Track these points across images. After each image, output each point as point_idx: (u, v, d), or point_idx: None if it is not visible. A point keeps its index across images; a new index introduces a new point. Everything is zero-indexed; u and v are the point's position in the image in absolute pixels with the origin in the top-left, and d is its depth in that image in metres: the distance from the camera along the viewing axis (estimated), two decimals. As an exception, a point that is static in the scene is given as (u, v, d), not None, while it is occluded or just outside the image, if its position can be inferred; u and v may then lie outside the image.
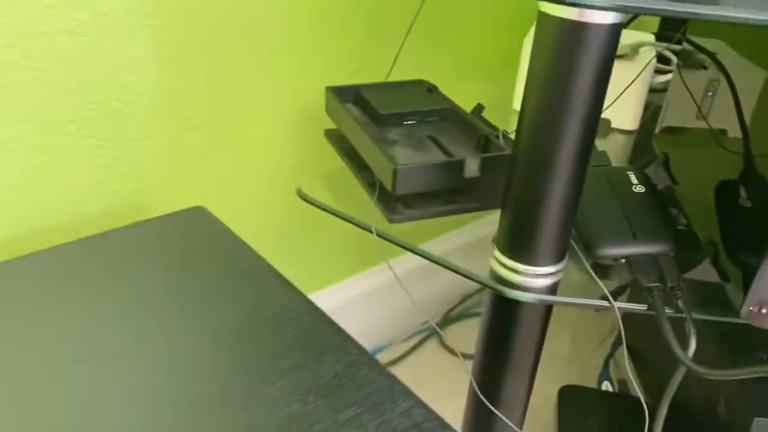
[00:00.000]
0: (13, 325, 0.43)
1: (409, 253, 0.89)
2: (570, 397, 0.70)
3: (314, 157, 0.66)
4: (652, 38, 0.73)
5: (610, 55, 0.38)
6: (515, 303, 0.47)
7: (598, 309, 0.45)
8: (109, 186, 0.55)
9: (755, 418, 0.50)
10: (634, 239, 0.45)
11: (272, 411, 0.37)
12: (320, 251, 0.76)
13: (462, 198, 0.51)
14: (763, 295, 0.39)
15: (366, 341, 0.84)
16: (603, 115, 0.69)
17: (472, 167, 0.50)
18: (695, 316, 0.41)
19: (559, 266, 0.45)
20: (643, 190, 0.50)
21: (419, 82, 0.63)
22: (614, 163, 0.57)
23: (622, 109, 0.68)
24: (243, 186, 0.64)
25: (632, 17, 0.82)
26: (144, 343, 0.43)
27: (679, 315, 0.42)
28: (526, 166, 0.42)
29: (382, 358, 0.85)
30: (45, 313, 0.44)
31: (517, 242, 0.45)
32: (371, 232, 0.48)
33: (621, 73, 0.66)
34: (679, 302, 0.42)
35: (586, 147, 0.41)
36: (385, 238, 0.48)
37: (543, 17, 0.38)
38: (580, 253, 0.46)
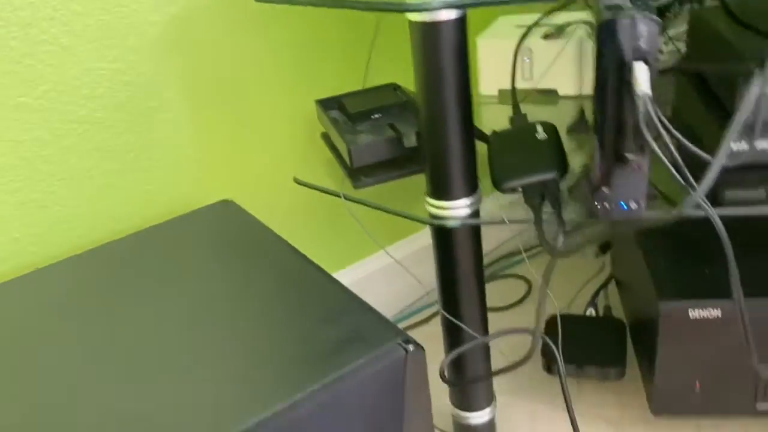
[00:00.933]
0: (89, 305, 0.56)
1: (415, 235, 1.05)
2: (555, 323, 0.83)
3: (315, 154, 0.85)
4: (583, 16, 0.86)
5: (461, 40, 0.54)
6: (448, 232, 0.63)
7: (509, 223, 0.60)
8: (144, 186, 0.76)
9: (660, 302, 0.62)
10: (525, 173, 0.59)
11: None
12: (338, 234, 0.94)
13: (410, 164, 0.68)
14: (601, 194, 0.52)
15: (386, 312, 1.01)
16: (549, 86, 0.84)
17: (410, 139, 0.66)
18: (566, 219, 0.55)
19: (471, 199, 0.60)
20: (546, 137, 0.64)
21: (387, 85, 0.80)
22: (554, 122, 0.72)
23: (565, 78, 0.82)
24: (262, 181, 0.83)
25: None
26: (194, 329, 0.51)
27: (552, 220, 0.56)
28: (429, 129, 0.58)
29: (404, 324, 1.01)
30: (103, 303, 0.57)
31: (436, 186, 0.61)
32: (339, 196, 0.65)
33: (555, 48, 0.80)
34: (554, 211, 0.56)
35: (465, 106, 0.57)
36: (351, 200, 0.65)
37: (410, 24, 0.55)
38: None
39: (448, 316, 0.66)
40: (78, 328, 0.53)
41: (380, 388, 0.46)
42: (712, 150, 0.58)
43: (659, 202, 0.58)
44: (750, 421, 0.74)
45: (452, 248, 0.64)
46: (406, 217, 0.63)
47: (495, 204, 0.70)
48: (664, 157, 0.43)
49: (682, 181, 0.44)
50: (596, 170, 0.52)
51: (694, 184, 0.43)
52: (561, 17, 0.85)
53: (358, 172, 0.68)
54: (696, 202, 0.41)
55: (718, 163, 0.42)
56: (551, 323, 0.83)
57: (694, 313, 0.61)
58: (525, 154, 0.62)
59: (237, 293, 0.55)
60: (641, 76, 0.45)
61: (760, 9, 0.66)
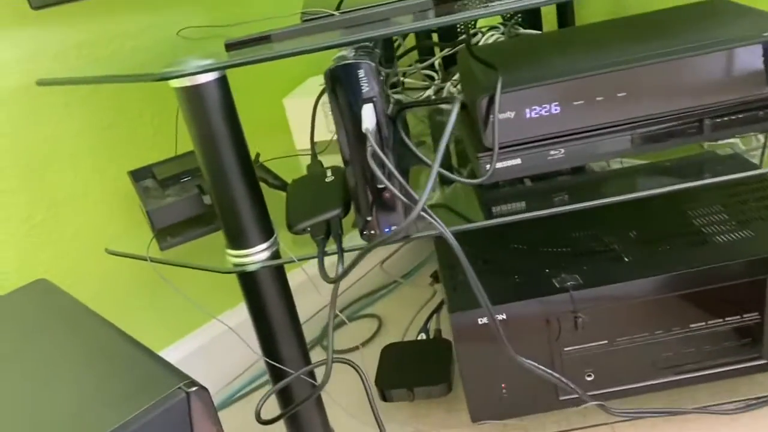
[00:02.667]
0: None
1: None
2: (389, 351, 0.88)
3: (135, 225, 0.87)
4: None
5: (226, 98, 0.59)
6: (252, 278, 0.67)
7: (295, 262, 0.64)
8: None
9: (451, 314, 0.68)
10: (312, 214, 0.65)
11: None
12: (168, 306, 0.95)
13: (215, 221, 0.72)
14: (367, 223, 0.58)
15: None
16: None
17: (209, 198, 0.70)
18: (345, 247, 0.61)
19: (267, 243, 0.65)
20: (332, 179, 0.70)
21: (198, 149, 0.84)
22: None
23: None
24: (82, 258, 0.85)
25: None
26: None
27: (335, 252, 0.61)
28: (214, 185, 0.63)
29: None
30: None
31: (232, 237, 0.65)
32: (146, 260, 0.68)
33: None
34: (336, 244, 0.61)
35: (243, 159, 0.62)
36: (156, 261, 0.68)
37: (176, 90, 0.59)
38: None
39: (267, 359, 0.70)
40: None
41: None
42: (475, 170, 0.66)
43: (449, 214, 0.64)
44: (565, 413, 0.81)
45: (258, 292, 0.67)
46: (208, 270, 0.66)
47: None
48: (387, 182, 0.49)
49: (404, 200, 0.50)
50: (357, 203, 0.58)
51: (416, 197, 0.50)
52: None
53: (166, 234, 0.71)
54: (417, 216, 0.47)
55: (433, 173, 0.49)
56: (385, 352, 0.88)
57: (483, 319, 0.68)
58: (313, 197, 0.68)
59: (40, 363, 0.57)
60: (366, 115, 0.51)
61: (498, 47, 0.76)
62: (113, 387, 0.51)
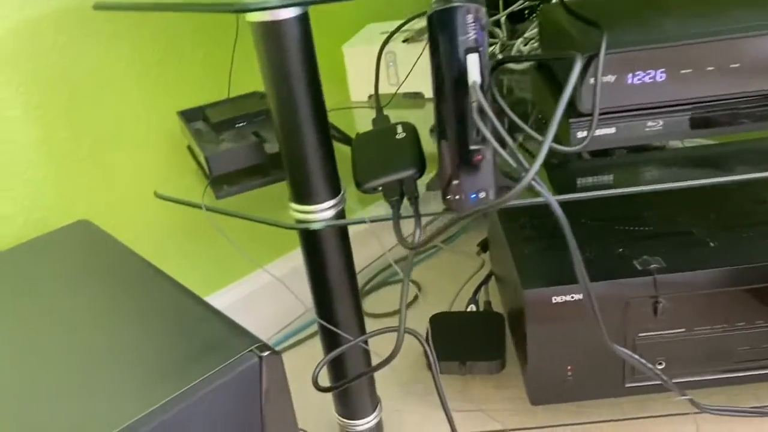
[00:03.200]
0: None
1: (295, 251, 1.04)
2: (438, 321, 0.84)
3: (181, 168, 0.83)
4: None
5: (306, 38, 0.54)
6: (315, 236, 0.63)
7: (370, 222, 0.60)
8: (16, 218, 0.72)
9: (524, 290, 0.64)
10: (385, 172, 0.60)
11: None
12: (212, 254, 0.92)
13: (275, 171, 0.67)
14: (451, 187, 0.53)
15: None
16: (414, 89, 0.86)
17: (273, 144, 0.66)
18: (422, 214, 0.56)
19: (334, 201, 0.60)
20: (405, 136, 0.65)
21: (252, 93, 0.79)
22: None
23: (428, 81, 0.83)
24: (125, 199, 0.80)
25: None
26: (42, 355, 0.48)
27: (410, 216, 0.57)
28: (283, 133, 0.58)
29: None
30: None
31: (298, 191, 0.60)
32: (201, 208, 0.64)
33: (416, 52, 0.82)
34: (412, 208, 0.57)
35: (318, 106, 0.57)
36: (212, 210, 0.63)
37: (252, 25, 0.54)
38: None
39: (322, 322, 0.66)
40: None
41: (235, 397, 0.45)
42: (560, 137, 0.62)
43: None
44: (627, 401, 0.78)
45: (320, 252, 0.63)
46: (269, 223, 0.62)
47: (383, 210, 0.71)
48: (494, 142, 0.44)
49: (513, 164, 0.45)
50: (443, 164, 0.54)
51: (526, 165, 0.45)
52: (423, 22, 0.87)
53: (221, 182, 0.67)
54: (527, 185, 0.43)
55: (547, 143, 0.44)
56: (434, 322, 0.84)
57: (558, 298, 0.64)
58: (384, 154, 0.63)
59: (90, 315, 0.53)
60: (472, 66, 0.46)
61: (595, 4, 0.70)
62: (174, 345, 0.48)
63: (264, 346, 0.46)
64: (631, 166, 0.65)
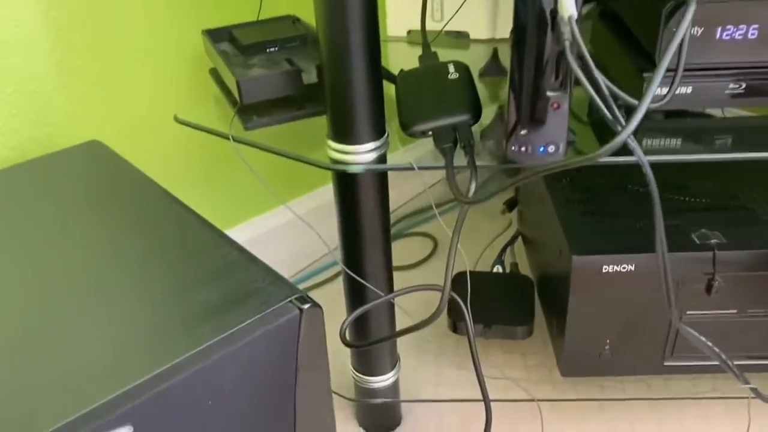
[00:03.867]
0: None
1: (320, 189, 0.99)
2: (461, 281, 0.80)
3: (203, 92, 0.76)
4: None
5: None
6: (351, 179, 0.57)
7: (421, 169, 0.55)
8: (20, 133, 0.66)
9: (573, 256, 0.60)
10: (436, 115, 0.54)
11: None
12: (232, 185, 0.86)
13: (310, 104, 0.61)
14: (518, 137, 0.48)
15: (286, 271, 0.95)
16: (460, 28, 0.80)
17: (310, 74, 0.59)
18: (479, 164, 0.51)
19: (378, 143, 0.55)
20: (458, 77, 0.59)
21: (285, 17, 0.72)
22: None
23: (477, 20, 0.77)
24: (142, 121, 0.74)
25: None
26: (51, 276, 0.45)
27: (464, 166, 0.51)
28: (330, 62, 0.52)
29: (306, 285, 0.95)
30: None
31: (339, 128, 0.55)
32: (228, 138, 0.58)
33: (468, -13, 0.75)
34: (467, 157, 0.51)
35: (371, 36, 0.51)
36: (240, 141, 0.58)
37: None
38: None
39: (350, 272, 0.61)
40: None
41: (272, 351, 0.41)
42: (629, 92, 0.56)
43: (574, 151, 0.54)
44: (654, 378, 0.74)
45: (356, 197, 0.58)
46: (303, 161, 0.56)
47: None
48: (592, 90, 0.39)
49: (610, 116, 0.40)
50: (512, 110, 0.48)
51: (623, 121, 0.40)
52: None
53: (250, 111, 0.61)
54: (623, 142, 0.38)
55: (645, 102, 0.39)
56: (457, 281, 0.80)
57: (608, 268, 0.59)
58: (436, 95, 0.57)
59: (106, 245, 0.48)
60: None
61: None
62: (204, 288, 0.43)
63: (303, 298, 0.42)
64: (691, 131, 0.60)
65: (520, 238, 0.89)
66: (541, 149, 0.48)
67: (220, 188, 0.86)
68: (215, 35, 0.70)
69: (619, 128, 0.39)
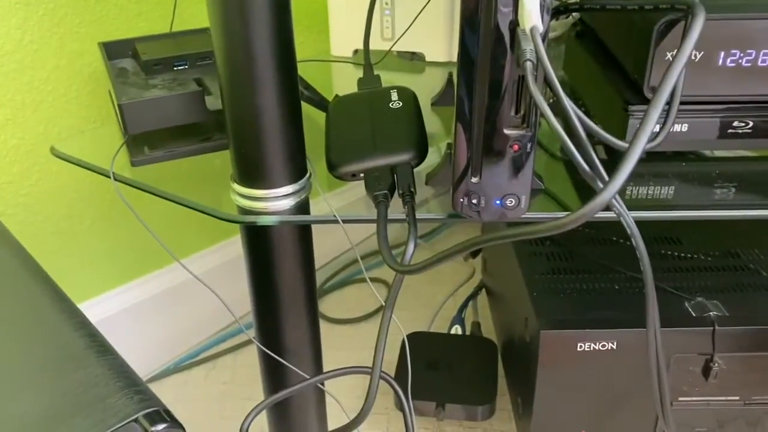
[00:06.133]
0: None
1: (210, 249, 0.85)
2: (414, 343, 0.68)
3: (104, 120, 0.65)
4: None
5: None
6: (263, 232, 0.46)
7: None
8: None
9: (540, 331, 0.49)
10: (371, 154, 0.44)
11: None
12: (100, 252, 0.74)
13: (219, 134, 0.50)
14: (466, 186, 0.37)
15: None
16: (414, 48, 0.69)
17: (217, 99, 0.48)
18: (419, 217, 0.40)
19: (296, 186, 0.44)
20: (400, 105, 0.48)
21: (204, 29, 0.61)
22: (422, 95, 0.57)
23: (434, 39, 0.67)
24: (16, 156, 0.63)
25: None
26: None
27: (401, 219, 0.40)
28: (230, 84, 0.41)
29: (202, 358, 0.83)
30: None
31: (245, 168, 0.43)
32: (108, 176, 0.46)
33: (421, 4, 0.65)
34: (405, 208, 0.41)
35: (284, 49, 0.40)
36: (123, 182, 0.46)
37: None
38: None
39: (263, 348, 0.49)
40: None
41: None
42: (618, 134, 0.46)
43: (543, 198, 0.44)
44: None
45: (269, 255, 0.46)
46: (201, 211, 0.45)
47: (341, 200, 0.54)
48: (560, 129, 0.28)
49: (587, 169, 0.29)
50: (460, 152, 0.37)
51: (604, 175, 0.29)
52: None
53: (141, 142, 0.50)
54: (606, 203, 0.27)
55: (638, 148, 0.28)
56: (408, 343, 0.68)
57: (584, 345, 0.49)
58: (372, 127, 0.46)
59: None
60: (530, 5, 0.30)
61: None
62: (25, 394, 0.31)
63: (156, 416, 0.30)
64: (686, 176, 0.50)
65: (483, 291, 0.78)
66: (497, 202, 0.37)
67: (115, 235, 0.73)
68: (114, 49, 0.58)
69: (599, 184, 0.28)
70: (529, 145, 0.35)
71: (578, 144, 0.29)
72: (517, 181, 0.37)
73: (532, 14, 0.29)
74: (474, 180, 0.37)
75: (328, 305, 0.87)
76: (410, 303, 0.85)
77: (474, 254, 0.85)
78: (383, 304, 0.44)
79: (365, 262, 0.96)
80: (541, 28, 0.29)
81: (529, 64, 0.29)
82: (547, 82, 0.28)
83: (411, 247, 0.39)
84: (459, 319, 0.72)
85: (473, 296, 0.76)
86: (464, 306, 0.74)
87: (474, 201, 0.38)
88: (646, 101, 0.45)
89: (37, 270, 0.42)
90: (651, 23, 0.42)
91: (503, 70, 0.33)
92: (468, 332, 0.71)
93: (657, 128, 0.44)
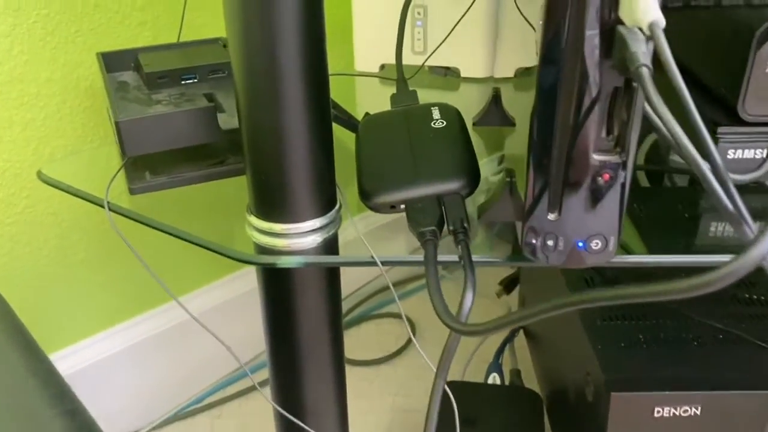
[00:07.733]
0: None
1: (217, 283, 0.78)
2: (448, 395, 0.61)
3: (101, 142, 0.59)
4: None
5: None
6: (287, 272, 0.39)
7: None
8: None
9: (611, 393, 0.41)
10: (412, 181, 0.37)
11: None
12: (94, 287, 0.68)
13: (234, 157, 0.44)
14: (541, 224, 0.31)
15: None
16: (448, 63, 0.63)
17: (233, 116, 0.42)
18: (476, 260, 0.33)
19: (325, 219, 0.37)
20: (444, 124, 0.42)
21: (214, 40, 0.55)
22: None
23: (471, 53, 0.61)
24: (9, 185, 0.56)
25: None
26: None
27: (453, 261, 0.34)
28: (250, 103, 0.35)
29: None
30: None
31: (264, 199, 0.37)
32: (101, 206, 0.40)
33: (459, 9, 0.58)
34: (459, 247, 0.34)
35: (315, 64, 0.34)
36: (117, 212, 0.40)
37: None
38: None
39: (278, 408, 0.42)
40: None
41: None
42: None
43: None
44: None
45: (292, 300, 0.40)
46: (210, 249, 0.38)
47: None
48: (698, 158, 0.21)
49: (731, 207, 0.22)
50: (532, 182, 0.31)
51: (752, 225, 0.22)
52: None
53: (142, 167, 0.43)
54: (759, 261, 0.20)
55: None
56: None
57: (661, 410, 0.41)
58: (413, 150, 0.40)
59: None
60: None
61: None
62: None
63: None
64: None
65: (521, 332, 0.71)
66: (580, 244, 0.31)
67: (115, 269, 0.67)
68: (114, 60, 0.52)
69: (749, 232, 0.21)
70: (623, 175, 0.29)
71: (721, 180, 0.22)
72: (606, 218, 0.30)
73: (649, 6, 0.23)
74: (551, 217, 0.30)
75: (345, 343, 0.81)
76: (437, 341, 0.78)
77: (508, 289, 0.78)
78: (411, 339, 0.37)
79: (375, 294, 0.89)
80: (662, 23, 0.22)
81: (644, 70, 0.23)
82: (679, 97, 0.22)
83: (469, 299, 0.32)
84: (497, 366, 0.65)
85: (510, 339, 0.69)
86: (501, 350, 0.67)
87: (550, 242, 0.31)
88: (739, 122, 0.38)
89: (7, 317, 0.35)
90: (746, 27, 0.36)
91: (596, 80, 0.27)
92: (507, 381, 0.64)
93: (756, 154, 0.38)
